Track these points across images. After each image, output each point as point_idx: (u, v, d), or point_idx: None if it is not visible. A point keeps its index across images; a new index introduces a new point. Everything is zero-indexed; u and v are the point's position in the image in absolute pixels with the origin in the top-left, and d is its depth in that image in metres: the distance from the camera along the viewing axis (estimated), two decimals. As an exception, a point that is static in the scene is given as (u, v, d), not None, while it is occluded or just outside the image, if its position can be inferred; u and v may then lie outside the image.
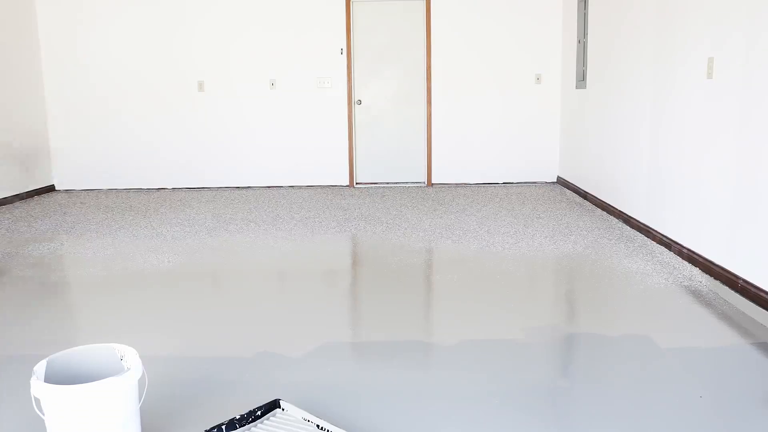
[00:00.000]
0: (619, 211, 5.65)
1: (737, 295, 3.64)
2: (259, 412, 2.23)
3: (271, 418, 2.24)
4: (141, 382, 2.15)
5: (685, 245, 4.37)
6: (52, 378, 2.10)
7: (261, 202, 6.85)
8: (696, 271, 4.11)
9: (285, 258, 4.62)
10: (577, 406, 2.43)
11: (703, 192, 4.13)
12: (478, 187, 7.70)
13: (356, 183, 7.88)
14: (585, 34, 6.71)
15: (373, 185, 7.85)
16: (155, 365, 2.73)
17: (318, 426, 2.14)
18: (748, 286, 3.58)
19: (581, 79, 6.84)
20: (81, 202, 6.99)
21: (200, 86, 7.70)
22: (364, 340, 3.17)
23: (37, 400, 2.00)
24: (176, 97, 7.73)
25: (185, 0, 7.57)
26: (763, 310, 3.41)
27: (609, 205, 5.93)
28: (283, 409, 2.27)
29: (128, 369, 2.10)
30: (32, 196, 7.37)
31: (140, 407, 2.11)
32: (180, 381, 2.66)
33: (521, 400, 2.46)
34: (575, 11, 6.99)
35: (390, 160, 7.87)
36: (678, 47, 4.48)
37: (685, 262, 4.29)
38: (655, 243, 4.81)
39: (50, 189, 7.81)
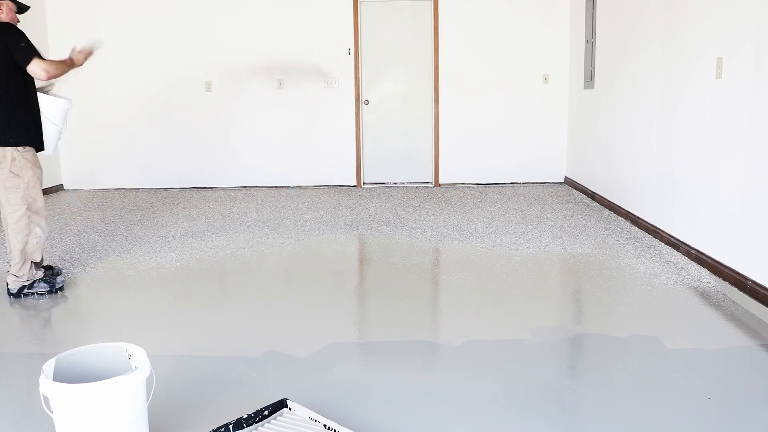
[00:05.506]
0: (627, 211, 5.63)
1: (746, 297, 3.63)
2: (266, 412, 2.23)
3: (278, 417, 2.24)
4: (149, 381, 2.15)
5: (693, 246, 4.35)
6: (60, 376, 2.11)
7: (268, 202, 6.86)
8: (704, 272, 4.09)
9: (292, 258, 4.63)
10: (584, 407, 2.42)
11: (711, 192, 4.11)
12: (486, 187, 7.69)
13: (363, 183, 7.88)
14: (593, 34, 6.69)
15: (380, 185, 7.86)
16: (163, 364, 2.73)
17: (325, 426, 2.14)
18: (757, 287, 3.56)
19: (589, 80, 6.82)
20: (89, 202, 7.02)
21: (208, 86, 7.72)
22: (371, 340, 3.17)
23: (46, 399, 2.01)
24: (184, 97, 7.75)
25: (193, 0, 7.59)
26: (772, 312, 3.39)
27: (617, 205, 5.91)
28: (290, 409, 2.28)
29: (136, 368, 2.10)
30: (41, 196, 7.41)
31: (148, 406, 2.12)
32: (187, 380, 2.67)
33: (528, 400, 2.45)
34: (583, 11, 6.97)
35: (397, 161, 7.87)
36: (686, 47, 4.46)
37: (693, 263, 4.27)
38: (663, 244, 4.79)
39: (59, 188, 7.85)
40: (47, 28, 7.63)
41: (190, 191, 7.70)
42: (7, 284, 3.81)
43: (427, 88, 7.74)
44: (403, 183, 7.91)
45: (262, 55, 7.64)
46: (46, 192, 7.54)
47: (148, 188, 7.91)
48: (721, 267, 3.96)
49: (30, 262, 3.78)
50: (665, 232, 4.80)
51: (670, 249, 4.63)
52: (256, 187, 7.89)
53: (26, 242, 3.74)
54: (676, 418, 2.32)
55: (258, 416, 2.20)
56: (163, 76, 7.72)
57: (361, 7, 7.59)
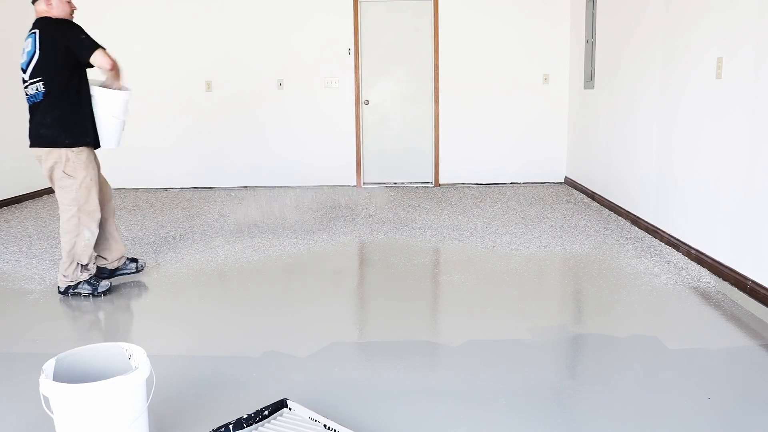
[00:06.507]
0: (627, 211, 5.63)
1: (746, 297, 3.63)
2: (266, 412, 2.23)
3: (278, 417, 2.24)
4: (149, 381, 2.15)
5: (693, 246, 4.35)
6: (60, 376, 2.11)
7: (268, 201, 6.86)
8: (704, 272, 4.09)
9: (292, 258, 4.62)
10: (584, 407, 2.42)
11: (712, 192, 4.11)
12: (486, 187, 7.69)
13: (363, 183, 7.88)
14: (593, 34, 6.69)
15: (380, 185, 7.85)
16: (163, 364, 2.73)
17: (325, 426, 2.14)
18: (757, 288, 3.56)
19: (589, 80, 6.82)
20: (89, 202, 7.01)
21: (208, 86, 7.72)
22: (371, 340, 3.17)
23: (46, 399, 2.01)
24: (184, 97, 7.75)
25: (193, 0, 7.59)
26: (772, 312, 3.39)
27: (617, 205, 5.91)
28: (290, 409, 2.28)
29: (136, 368, 2.10)
30: (41, 195, 7.41)
31: (148, 406, 2.12)
32: (187, 380, 2.67)
33: (528, 400, 2.45)
34: (583, 11, 6.97)
35: (397, 161, 7.87)
36: (686, 47, 4.46)
37: (694, 263, 4.27)
38: (663, 244, 4.79)
39: (59, 188, 7.84)
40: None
41: (190, 191, 7.70)
42: (59, 281, 3.88)
43: (427, 88, 7.74)
44: (403, 183, 7.91)
45: (263, 55, 7.65)
46: (47, 192, 7.54)
47: (148, 188, 7.91)
48: (721, 267, 3.96)
49: (77, 263, 3.79)
50: (665, 232, 4.80)
51: (670, 249, 4.63)
52: (257, 186, 7.88)
53: (74, 243, 3.75)
54: (676, 418, 2.32)
55: (258, 416, 2.20)
56: (162, 76, 7.72)
57: (361, 7, 7.59)
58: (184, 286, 4.01)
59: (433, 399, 2.47)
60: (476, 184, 7.85)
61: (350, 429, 2.15)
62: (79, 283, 3.82)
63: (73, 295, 3.82)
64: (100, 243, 3.96)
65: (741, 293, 3.68)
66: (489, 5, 7.56)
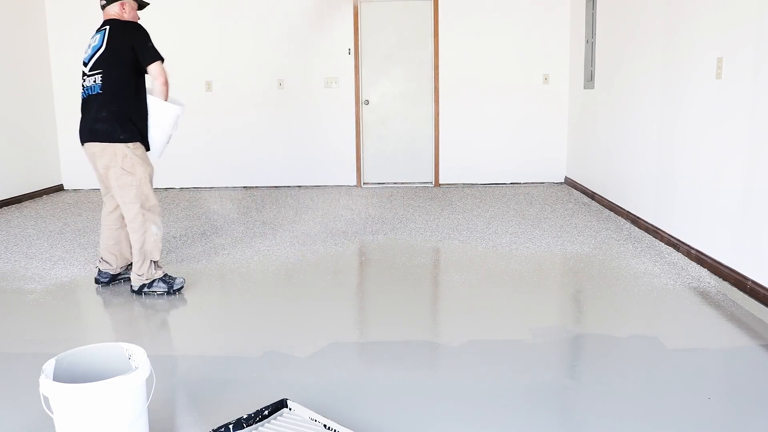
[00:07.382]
0: (627, 211, 5.63)
1: (746, 297, 3.63)
2: (266, 412, 2.23)
3: (278, 417, 2.24)
4: (149, 381, 2.15)
5: (693, 246, 4.35)
6: (60, 376, 2.11)
7: (268, 202, 6.86)
8: (704, 272, 4.09)
9: (292, 258, 4.62)
10: (584, 407, 2.42)
11: (712, 192, 4.11)
12: (486, 187, 7.69)
13: (363, 183, 7.88)
14: (593, 34, 6.69)
15: (380, 185, 7.85)
16: (163, 364, 2.74)
17: (325, 426, 2.14)
18: (757, 288, 3.56)
19: (589, 80, 6.82)
20: (89, 202, 7.02)
21: (208, 86, 7.72)
22: (371, 340, 3.17)
23: (46, 399, 2.01)
24: (183, 97, 7.73)
25: (193, 0, 7.59)
26: (772, 312, 3.39)
27: (617, 205, 5.91)
28: (290, 409, 2.28)
29: (136, 368, 2.10)
30: (41, 195, 7.41)
31: (148, 406, 2.12)
32: (187, 380, 2.67)
33: (528, 400, 2.45)
34: (583, 11, 6.97)
35: (397, 161, 7.87)
36: (686, 47, 4.46)
37: (694, 263, 4.27)
38: (663, 244, 4.79)
39: (59, 188, 7.85)
40: (47, 25, 7.63)
41: (190, 191, 7.70)
42: (131, 281, 3.85)
43: (428, 88, 7.74)
44: (403, 183, 7.91)
45: (263, 55, 7.65)
46: (47, 192, 7.54)
47: (148, 188, 7.89)
48: (721, 267, 3.96)
49: (150, 260, 3.77)
50: (665, 232, 4.80)
51: (670, 249, 4.63)
52: (257, 187, 7.88)
53: (144, 241, 3.73)
54: (676, 417, 2.32)
55: (258, 416, 2.20)
56: (163, 76, 7.71)
57: (361, 7, 7.59)
58: (184, 286, 4.01)
59: (433, 399, 2.47)
60: (476, 184, 7.85)
61: (350, 429, 2.15)
62: (153, 281, 3.80)
63: (147, 294, 3.81)
64: (111, 246, 3.94)
65: (741, 293, 3.68)
66: (489, 6, 7.56)
